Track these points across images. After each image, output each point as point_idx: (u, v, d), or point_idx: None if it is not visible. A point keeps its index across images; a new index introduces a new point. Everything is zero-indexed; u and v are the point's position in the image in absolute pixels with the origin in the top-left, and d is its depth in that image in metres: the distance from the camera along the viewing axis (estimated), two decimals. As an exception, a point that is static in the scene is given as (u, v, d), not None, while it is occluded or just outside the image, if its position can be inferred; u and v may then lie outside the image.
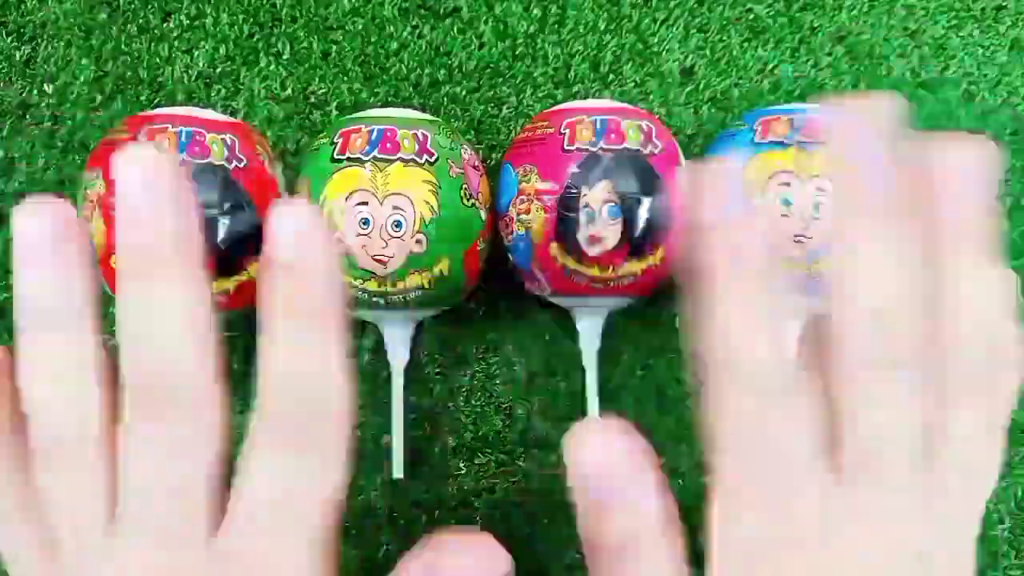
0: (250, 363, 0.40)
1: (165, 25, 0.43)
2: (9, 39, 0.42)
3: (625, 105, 0.35)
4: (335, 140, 0.34)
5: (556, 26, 0.44)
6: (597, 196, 0.32)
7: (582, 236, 0.32)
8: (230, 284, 0.34)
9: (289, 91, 0.42)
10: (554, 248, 0.33)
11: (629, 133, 0.33)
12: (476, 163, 0.35)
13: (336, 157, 0.33)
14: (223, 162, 0.33)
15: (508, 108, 0.42)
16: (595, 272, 0.33)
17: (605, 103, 0.35)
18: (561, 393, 0.39)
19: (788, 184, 0.33)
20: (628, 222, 0.32)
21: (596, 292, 0.34)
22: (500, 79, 0.43)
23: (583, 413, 0.38)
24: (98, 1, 0.43)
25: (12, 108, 0.41)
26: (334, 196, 0.33)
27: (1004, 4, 0.44)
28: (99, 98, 0.42)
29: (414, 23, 0.43)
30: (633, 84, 0.43)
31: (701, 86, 0.43)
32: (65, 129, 0.41)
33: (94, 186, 0.32)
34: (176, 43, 0.43)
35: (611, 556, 0.17)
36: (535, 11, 0.44)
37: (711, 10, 0.44)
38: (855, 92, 0.43)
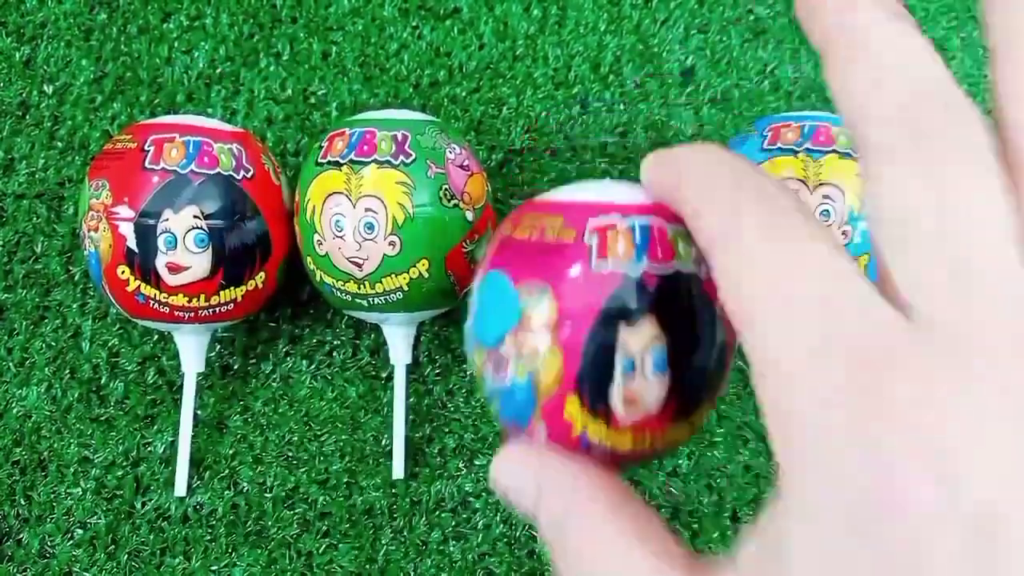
0: (250, 363, 0.40)
1: (165, 25, 0.43)
2: (9, 39, 0.42)
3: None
4: (323, 143, 0.34)
5: (556, 27, 0.44)
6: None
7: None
8: (238, 293, 0.34)
9: (289, 92, 0.42)
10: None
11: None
12: (466, 162, 0.35)
13: (319, 161, 0.33)
14: (231, 172, 0.33)
15: (508, 109, 0.42)
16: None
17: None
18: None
19: (796, 191, 0.33)
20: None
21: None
22: (500, 79, 0.43)
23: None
24: (98, 1, 0.43)
25: (12, 108, 0.41)
26: (316, 199, 0.33)
27: (1004, 5, 0.44)
28: (99, 98, 0.42)
29: (414, 24, 0.43)
30: (633, 84, 0.43)
31: (701, 87, 0.43)
32: (65, 129, 0.41)
33: (100, 196, 0.32)
34: (176, 43, 0.43)
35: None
36: (535, 12, 0.44)
37: (711, 11, 0.44)
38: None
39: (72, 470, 0.37)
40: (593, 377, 0.19)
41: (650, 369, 0.19)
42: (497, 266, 0.21)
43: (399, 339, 0.36)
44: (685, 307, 0.20)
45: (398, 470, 0.37)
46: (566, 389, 0.20)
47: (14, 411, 0.38)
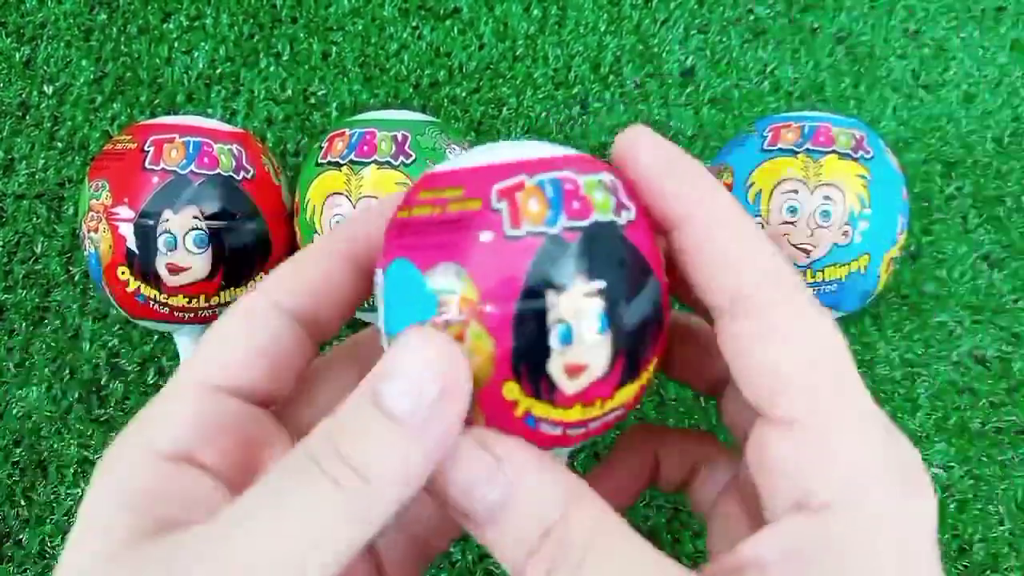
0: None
1: (165, 25, 0.43)
2: (9, 39, 0.42)
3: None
4: (323, 144, 0.34)
5: (556, 27, 0.44)
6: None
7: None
8: (238, 294, 0.34)
9: (289, 92, 0.42)
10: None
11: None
12: None
13: (319, 161, 0.33)
14: (231, 173, 0.33)
15: (508, 109, 0.42)
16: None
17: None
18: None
19: (795, 192, 0.33)
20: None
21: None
22: (500, 80, 0.43)
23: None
24: (98, 1, 0.43)
25: (12, 108, 0.41)
26: (316, 200, 0.33)
27: (1004, 5, 0.44)
28: (99, 98, 0.42)
29: (414, 24, 0.43)
30: (633, 85, 0.43)
31: (701, 87, 0.43)
32: (65, 129, 0.41)
33: (100, 196, 0.32)
34: (176, 43, 0.43)
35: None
36: (535, 12, 0.44)
37: (711, 11, 0.44)
38: (856, 93, 0.43)
39: (72, 470, 0.37)
40: (529, 356, 0.17)
41: (590, 332, 0.17)
42: (398, 253, 0.18)
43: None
44: (614, 258, 0.18)
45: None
46: (501, 374, 0.17)
47: (14, 411, 0.38)
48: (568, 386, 0.18)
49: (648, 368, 0.19)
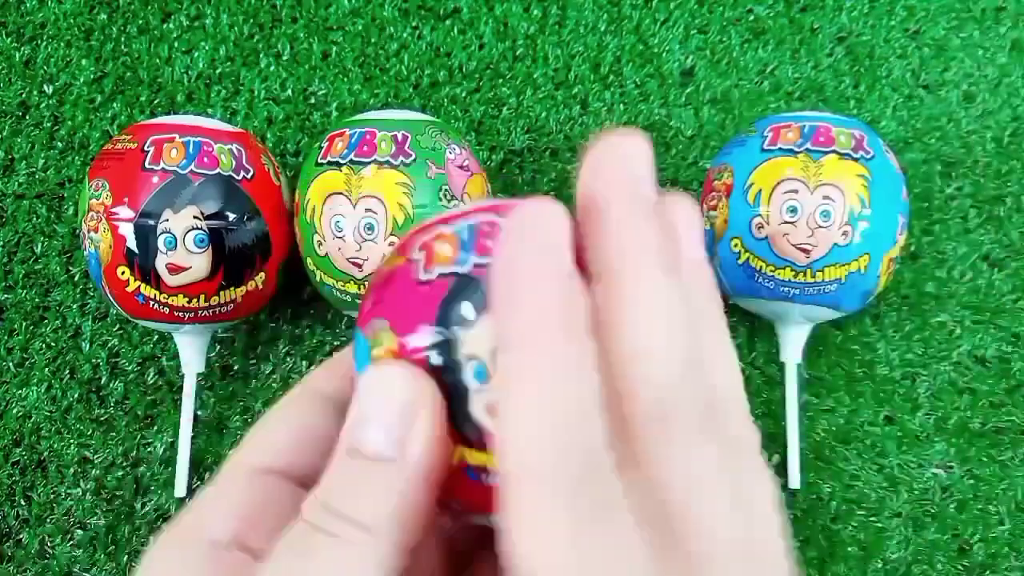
0: (250, 363, 0.40)
1: (165, 25, 0.43)
2: (9, 39, 0.42)
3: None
4: (323, 144, 0.34)
5: (556, 27, 0.44)
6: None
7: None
8: (238, 293, 0.34)
9: (289, 92, 0.42)
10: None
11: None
12: (466, 163, 0.35)
13: (319, 161, 0.33)
14: (231, 173, 0.33)
15: (508, 109, 0.42)
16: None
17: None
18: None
19: (795, 192, 0.33)
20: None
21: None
22: (500, 80, 0.43)
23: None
24: (98, 1, 0.43)
25: (12, 108, 0.41)
26: (316, 200, 0.33)
27: (1004, 5, 0.44)
28: (99, 98, 0.42)
29: (414, 24, 0.43)
30: (633, 85, 0.43)
31: (701, 87, 0.43)
32: (65, 129, 0.41)
33: (99, 196, 0.32)
34: (176, 43, 0.43)
35: None
36: (535, 12, 0.44)
37: (711, 11, 0.44)
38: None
39: (72, 470, 0.37)
40: (450, 399, 0.16)
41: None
42: (358, 320, 0.19)
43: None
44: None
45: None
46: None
47: (14, 411, 0.38)
48: (495, 427, 0.16)
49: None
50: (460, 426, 0.17)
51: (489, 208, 0.18)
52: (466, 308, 0.17)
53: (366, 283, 0.21)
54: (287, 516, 0.17)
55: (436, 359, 0.17)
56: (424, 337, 0.17)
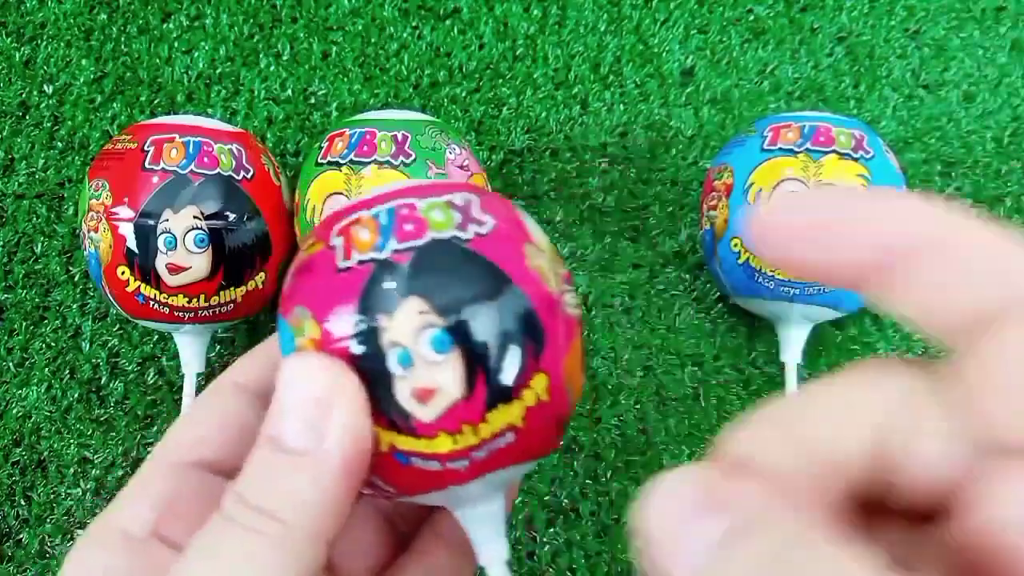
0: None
1: (165, 25, 0.43)
2: (9, 39, 0.42)
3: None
4: (323, 144, 0.34)
5: (556, 27, 0.44)
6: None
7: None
8: (238, 294, 0.34)
9: (289, 92, 0.42)
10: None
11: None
12: (466, 163, 0.35)
13: (319, 161, 0.33)
14: (231, 173, 0.33)
15: (508, 109, 0.42)
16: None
17: None
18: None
19: (796, 192, 0.33)
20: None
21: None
22: (500, 80, 0.43)
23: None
24: (98, 1, 0.43)
25: (12, 108, 0.41)
26: (316, 200, 0.33)
27: (1004, 5, 0.44)
28: (99, 98, 0.42)
29: (414, 24, 0.43)
30: (633, 85, 0.43)
31: (701, 87, 0.43)
32: (65, 129, 0.41)
33: (99, 196, 0.32)
34: (176, 43, 0.43)
35: None
36: (535, 12, 0.44)
37: (711, 11, 0.44)
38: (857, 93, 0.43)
39: (72, 470, 0.37)
40: (373, 385, 0.16)
41: (429, 352, 0.16)
42: (279, 310, 0.19)
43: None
44: (454, 274, 0.17)
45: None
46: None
47: (14, 411, 0.38)
48: (422, 412, 0.17)
49: (531, 386, 0.17)
50: (387, 412, 0.17)
51: (407, 191, 0.18)
52: (387, 295, 0.16)
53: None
54: (213, 509, 0.18)
55: (359, 347, 0.16)
56: (346, 325, 0.17)
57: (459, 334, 0.16)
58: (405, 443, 0.17)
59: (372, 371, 0.16)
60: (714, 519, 0.12)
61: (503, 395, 0.17)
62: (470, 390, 0.17)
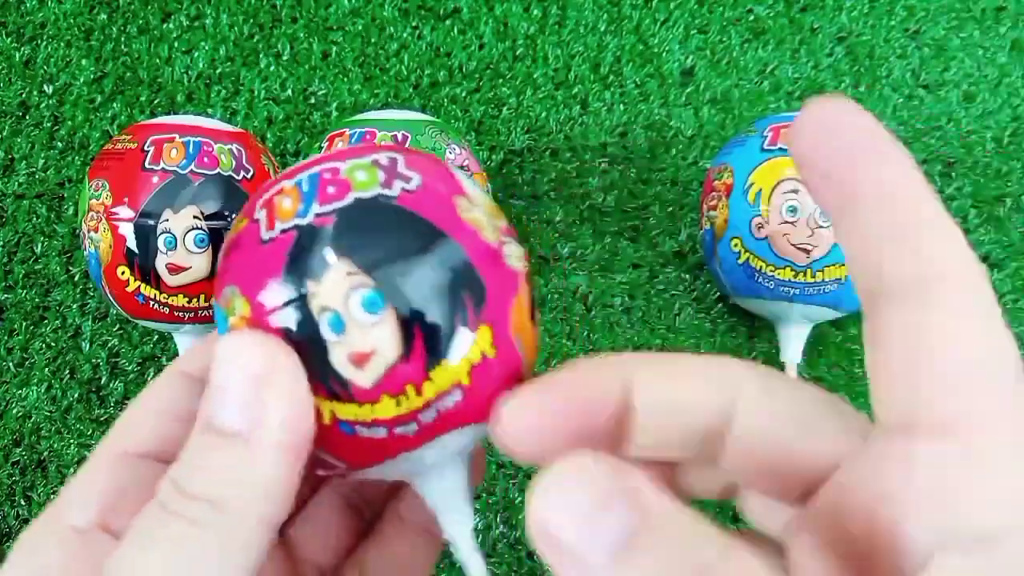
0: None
1: (165, 25, 0.43)
2: (9, 39, 0.42)
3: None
4: (323, 144, 0.34)
5: (556, 27, 0.44)
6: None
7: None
8: None
9: (289, 92, 0.42)
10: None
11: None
12: (466, 162, 0.35)
13: None
14: (231, 173, 0.33)
15: (508, 109, 0.42)
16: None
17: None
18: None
19: (795, 192, 0.33)
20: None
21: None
22: (500, 80, 0.43)
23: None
24: (98, 1, 0.43)
25: (12, 108, 0.41)
26: None
27: (1004, 5, 0.44)
28: (99, 98, 0.42)
29: (414, 24, 0.43)
30: (633, 85, 0.43)
31: (701, 87, 0.43)
32: (65, 129, 0.41)
33: (99, 196, 0.32)
34: (176, 43, 0.43)
35: None
36: (535, 12, 0.44)
37: (711, 11, 0.44)
38: (855, 94, 0.43)
39: (72, 470, 0.37)
40: (307, 354, 0.16)
41: (360, 314, 0.16)
42: (213, 295, 0.18)
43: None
44: (381, 232, 0.16)
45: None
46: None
47: (14, 411, 0.38)
48: (361, 377, 0.16)
49: (477, 340, 0.17)
50: (325, 382, 0.16)
51: (330, 156, 0.18)
52: (313, 260, 0.16)
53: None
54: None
55: (290, 317, 0.16)
56: (275, 296, 0.16)
57: (391, 292, 0.16)
58: (347, 412, 0.16)
59: (306, 341, 0.16)
60: (614, 518, 0.13)
61: (444, 352, 0.16)
62: (408, 350, 0.16)
